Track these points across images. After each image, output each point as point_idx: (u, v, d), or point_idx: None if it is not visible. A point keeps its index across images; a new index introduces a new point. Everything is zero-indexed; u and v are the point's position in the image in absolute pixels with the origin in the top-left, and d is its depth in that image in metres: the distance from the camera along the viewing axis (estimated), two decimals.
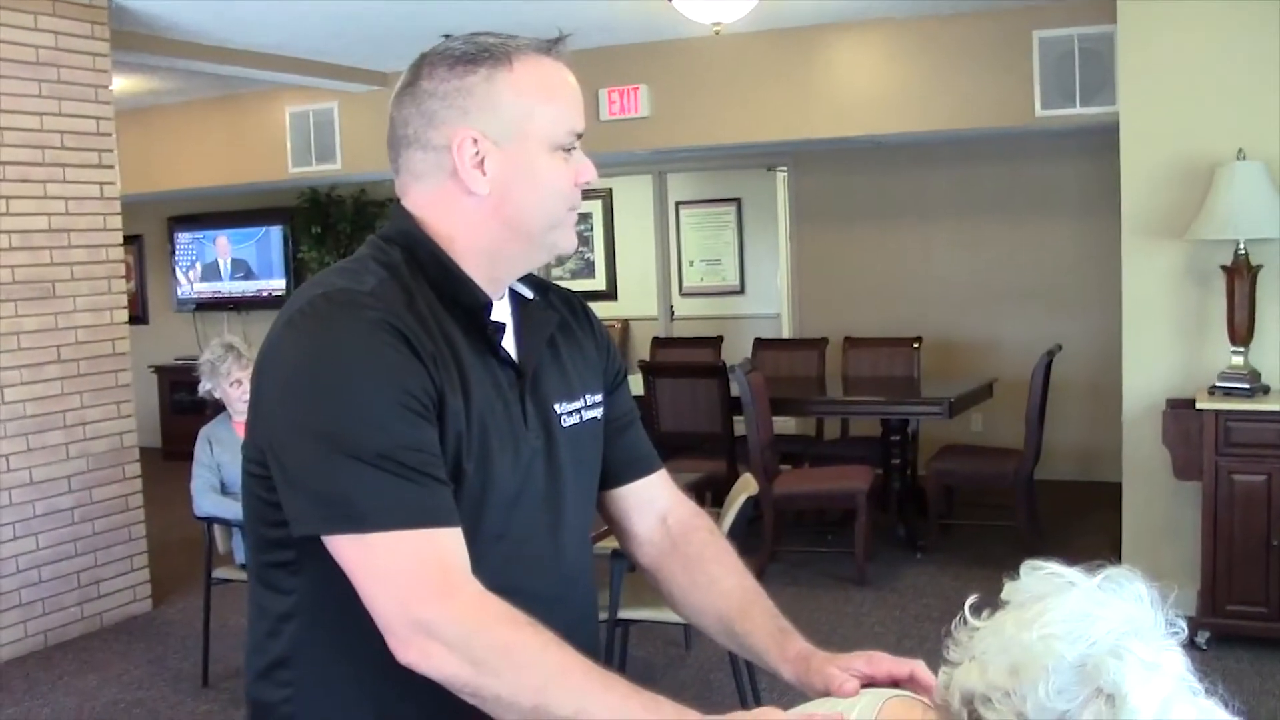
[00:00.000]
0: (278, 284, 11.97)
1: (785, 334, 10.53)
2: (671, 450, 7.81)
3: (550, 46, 1.77)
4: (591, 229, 13.19)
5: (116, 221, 7.07)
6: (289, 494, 1.65)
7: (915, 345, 8.66)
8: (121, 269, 7.21)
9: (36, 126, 6.58)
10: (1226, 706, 1.48)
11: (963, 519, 8.29)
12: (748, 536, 7.49)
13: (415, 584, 1.58)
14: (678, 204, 12.56)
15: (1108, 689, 1.36)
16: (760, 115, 8.72)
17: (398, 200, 1.84)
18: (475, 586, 1.60)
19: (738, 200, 12.45)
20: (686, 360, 8.80)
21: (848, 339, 9.02)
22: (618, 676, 1.57)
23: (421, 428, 1.63)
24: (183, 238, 12.56)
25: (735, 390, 7.38)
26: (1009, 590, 1.54)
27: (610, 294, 13.12)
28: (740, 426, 7.50)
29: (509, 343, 1.82)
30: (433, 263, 1.77)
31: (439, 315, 1.73)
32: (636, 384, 8.01)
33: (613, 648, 4.96)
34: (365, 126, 10.11)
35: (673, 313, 11.85)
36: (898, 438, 7.95)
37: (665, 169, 11.06)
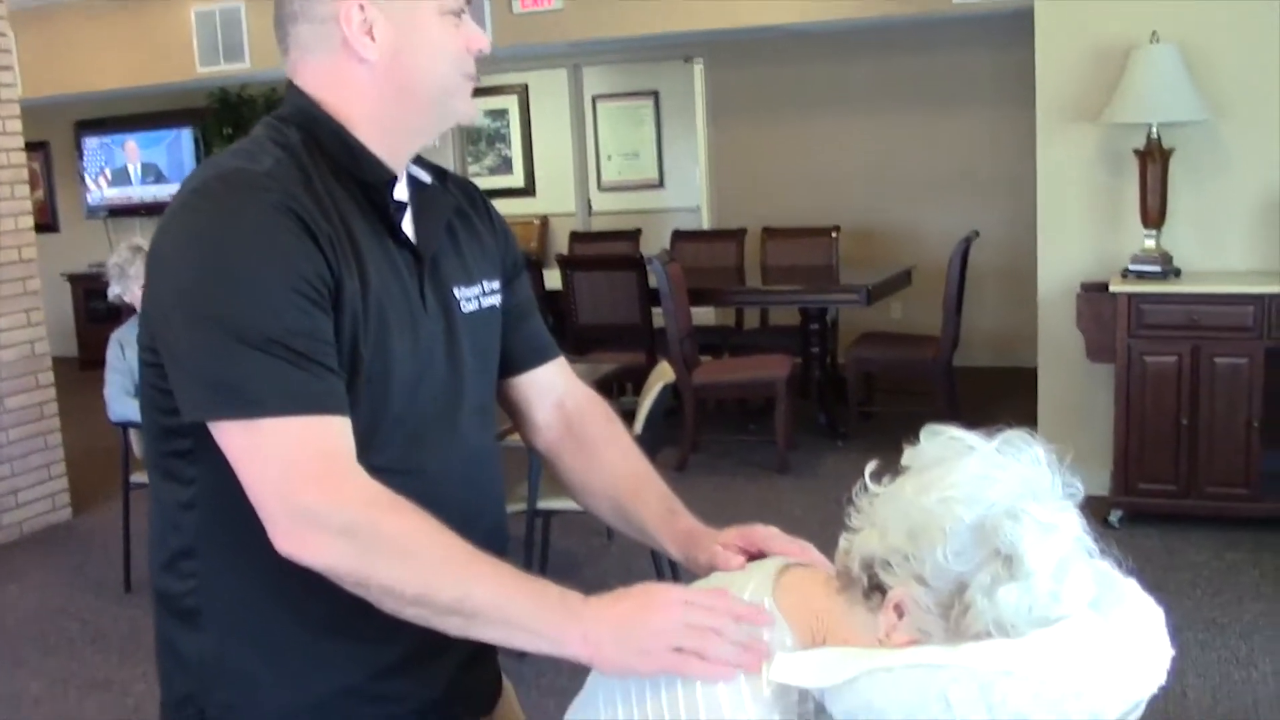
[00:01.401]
0: None
1: (705, 227, 10.51)
2: (591, 343, 7.84)
3: None
4: (508, 125, 13.06)
5: (16, 125, 6.94)
6: (178, 379, 1.61)
7: (834, 235, 8.68)
8: (24, 174, 7.06)
9: None
10: (1121, 568, 1.51)
11: (883, 406, 8.38)
12: (668, 428, 7.54)
13: (299, 470, 1.55)
14: (594, 98, 12.44)
15: (1004, 550, 1.38)
16: (676, 5, 8.61)
17: (290, 81, 1.79)
18: (361, 474, 1.58)
19: (655, 93, 12.31)
20: (604, 253, 8.76)
21: (766, 229, 9.02)
22: (502, 563, 1.56)
23: (314, 315, 1.59)
24: (90, 143, 12.31)
25: (653, 282, 7.37)
26: (909, 455, 1.56)
27: (529, 190, 13.01)
28: (660, 318, 7.50)
29: (407, 226, 1.79)
30: (333, 140, 1.73)
31: (337, 197, 1.69)
32: (554, 279, 8.00)
33: (533, 539, 4.98)
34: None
35: (590, 208, 11.78)
36: (817, 326, 7.98)
37: (581, 62, 10.95)
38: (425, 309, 1.76)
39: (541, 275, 8.05)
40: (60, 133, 12.44)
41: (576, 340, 7.87)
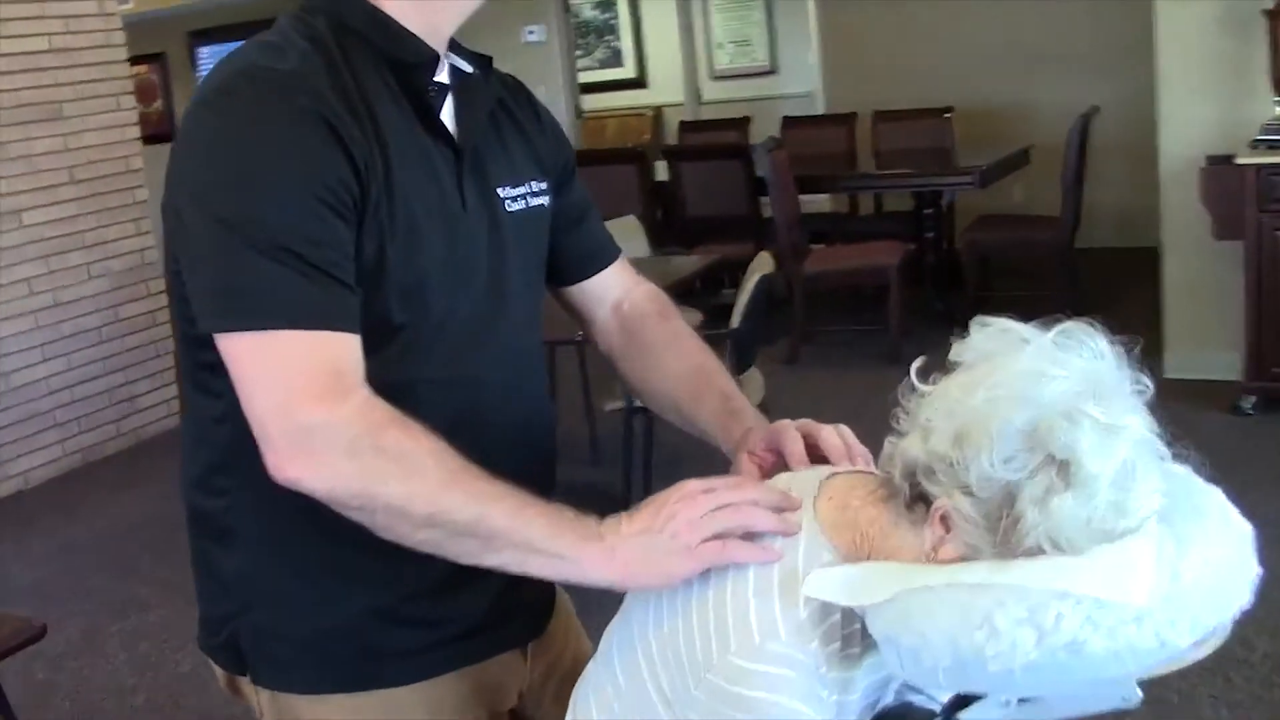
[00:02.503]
0: None
1: (818, 112, 10.26)
2: (700, 234, 7.70)
3: None
4: (617, 16, 12.86)
5: (120, 38, 6.91)
6: (191, 285, 1.52)
7: (946, 115, 8.41)
8: (129, 86, 7.05)
9: None
10: (1202, 473, 1.36)
11: (1000, 291, 8.13)
12: (778, 318, 7.43)
13: (302, 387, 1.45)
14: None
15: (1060, 455, 1.23)
16: None
17: None
18: (367, 392, 1.48)
19: None
20: (709, 143, 8.59)
21: (877, 113, 8.78)
22: (511, 485, 1.45)
23: (333, 225, 1.48)
24: (204, 53, 12.35)
25: (760, 171, 7.20)
26: (957, 350, 1.42)
27: (640, 82, 12.83)
28: (769, 208, 7.32)
29: (446, 118, 1.66)
30: (365, 20, 1.60)
31: (367, 88, 1.57)
32: (662, 170, 7.86)
33: (631, 436, 4.89)
34: None
35: (700, 97, 11.56)
36: (931, 211, 7.75)
37: None
38: (465, 207, 1.64)
39: (650, 167, 7.91)
40: (176, 43, 12.48)
41: (685, 232, 7.74)
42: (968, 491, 1.27)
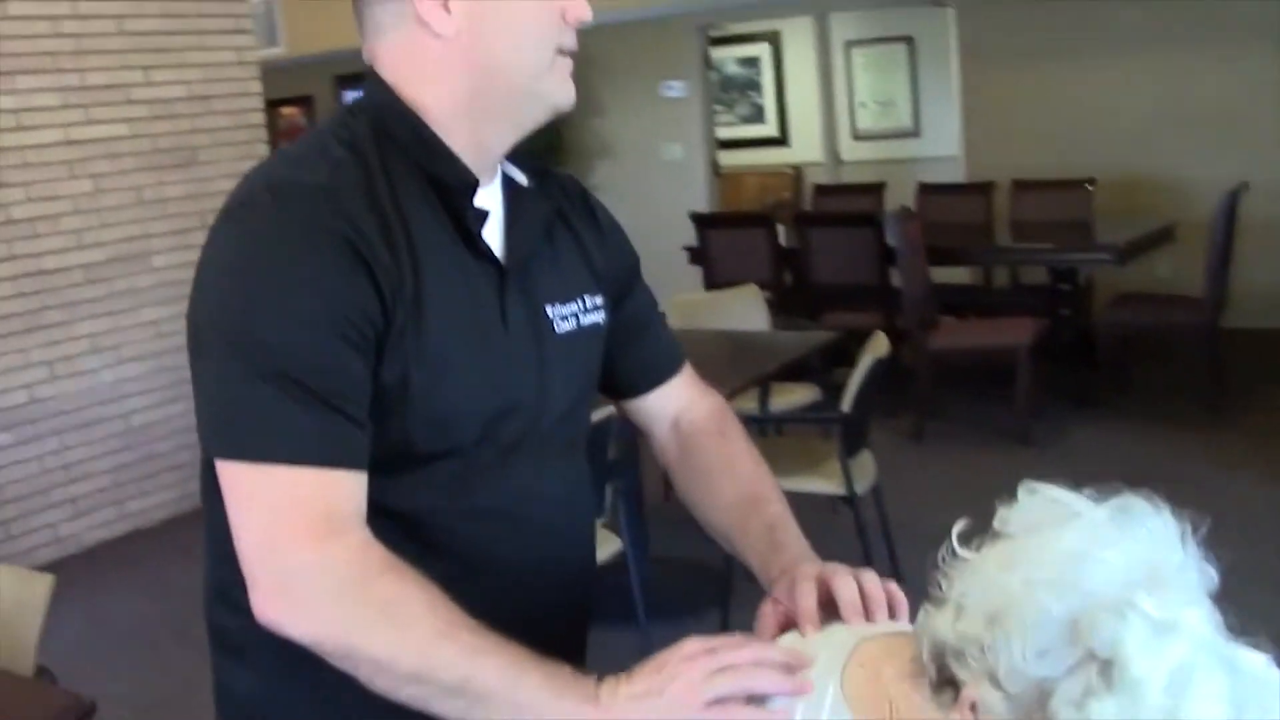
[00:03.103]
0: None
1: (961, 177, 10.08)
2: (826, 301, 7.59)
3: None
4: (760, 74, 12.80)
5: (256, 86, 7.03)
6: (197, 404, 1.47)
7: (1088, 187, 8.18)
8: (263, 134, 7.15)
9: None
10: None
11: (1140, 372, 7.87)
12: (903, 392, 7.26)
13: (291, 526, 1.37)
14: (848, 44, 12.09)
15: (1102, 652, 1.08)
16: None
17: (369, 69, 1.59)
18: (361, 534, 1.40)
19: (909, 38, 11.88)
20: (842, 209, 8.47)
21: (1016, 182, 8.57)
22: (513, 643, 1.35)
23: (345, 356, 1.41)
24: (349, 96, 12.49)
25: (892, 240, 7.06)
26: (1001, 517, 1.28)
27: (782, 140, 12.74)
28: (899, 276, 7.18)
29: (493, 234, 1.58)
30: (408, 132, 1.54)
31: (405, 201, 1.50)
32: (786, 235, 7.76)
33: None
34: None
35: (839, 158, 11.44)
36: (1068, 286, 7.53)
37: (827, 8, 10.58)
38: (506, 329, 1.56)
39: (778, 231, 7.81)
40: (323, 88, 12.70)
41: (812, 299, 7.62)
42: (996, 683, 1.14)
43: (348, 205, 1.45)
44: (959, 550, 1.27)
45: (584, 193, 1.79)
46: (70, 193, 6.12)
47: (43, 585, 2.95)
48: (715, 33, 11.60)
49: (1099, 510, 1.20)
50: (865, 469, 4.70)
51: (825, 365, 5.92)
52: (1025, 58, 9.42)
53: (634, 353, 1.83)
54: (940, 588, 1.27)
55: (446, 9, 1.50)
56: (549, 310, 1.62)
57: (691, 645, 1.34)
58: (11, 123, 5.87)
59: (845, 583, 1.48)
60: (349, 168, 1.49)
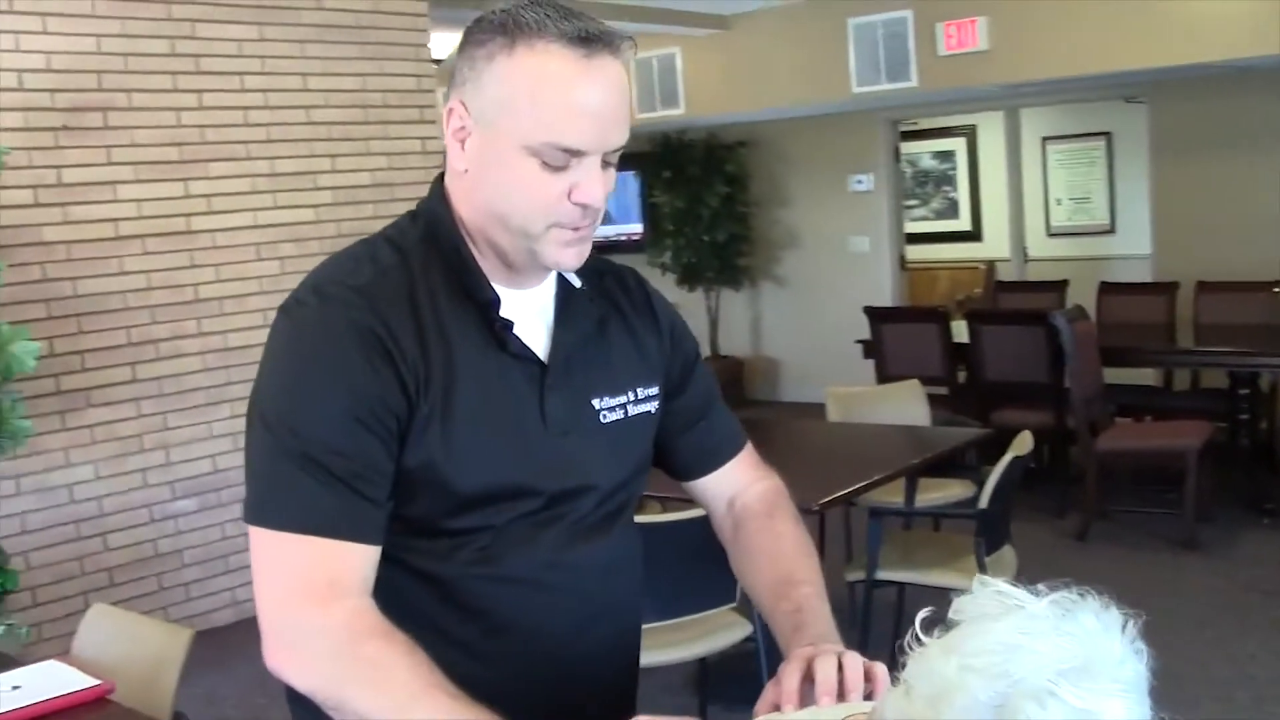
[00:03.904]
0: (635, 228, 12.08)
1: (1151, 276, 9.91)
2: (996, 399, 7.54)
3: (588, 46, 1.56)
4: (955, 168, 12.79)
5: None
6: (245, 477, 1.63)
7: (1276, 290, 7.99)
8: None
9: (359, 87, 6.87)
10: None
11: None
12: (1067, 493, 7.15)
13: (299, 590, 1.53)
14: (1044, 139, 12.03)
15: None
16: (1110, 43, 8.13)
17: (438, 174, 1.75)
18: (359, 601, 1.54)
19: (1107, 134, 11.76)
20: (1014, 307, 8.42)
21: (1200, 283, 8.42)
22: (485, 710, 1.44)
23: (365, 440, 1.56)
24: None
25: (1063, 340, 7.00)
26: (955, 607, 1.35)
27: (974, 235, 12.70)
28: None
29: (538, 334, 1.71)
30: (448, 245, 1.68)
31: (442, 307, 1.64)
32: (960, 330, 7.73)
33: (869, 607, 4.78)
34: (708, 70, 10.11)
35: (1026, 254, 11.33)
36: (1247, 391, 7.35)
37: (1016, 104, 10.54)
38: (544, 421, 1.68)
39: (949, 328, 7.80)
40: None
41: (982, 396, 7.58)
42: None
43: (383, 306, 1.59)
44: (921, 636, 1.34)
45: (644, 287, 1.90)
46: (257, 274, 6.44)
47: (183, 639, 3.15)
48: (907, 126, 11.64)
49: (1039, 603, 1.25)
50: (1005, 566, 4.67)
51: (981, 462, 5.89)
52: (1215, 154, 9.28)
53: (692, 438, 1.94)
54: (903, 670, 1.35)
55: (463, 146, 1.63)
56: (595, 403, 1.74)
57: None
58: (204, 207, 6.22)
59: (824, 664, 1.58)
60: (393, 271, 1.64)
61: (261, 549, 1.56)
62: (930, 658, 1.27)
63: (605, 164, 1.61)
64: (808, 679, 1.58)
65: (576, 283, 1.76)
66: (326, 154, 6.70)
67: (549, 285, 1.74)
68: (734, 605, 4.23)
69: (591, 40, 1.55)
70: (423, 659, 1.48)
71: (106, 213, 5.89)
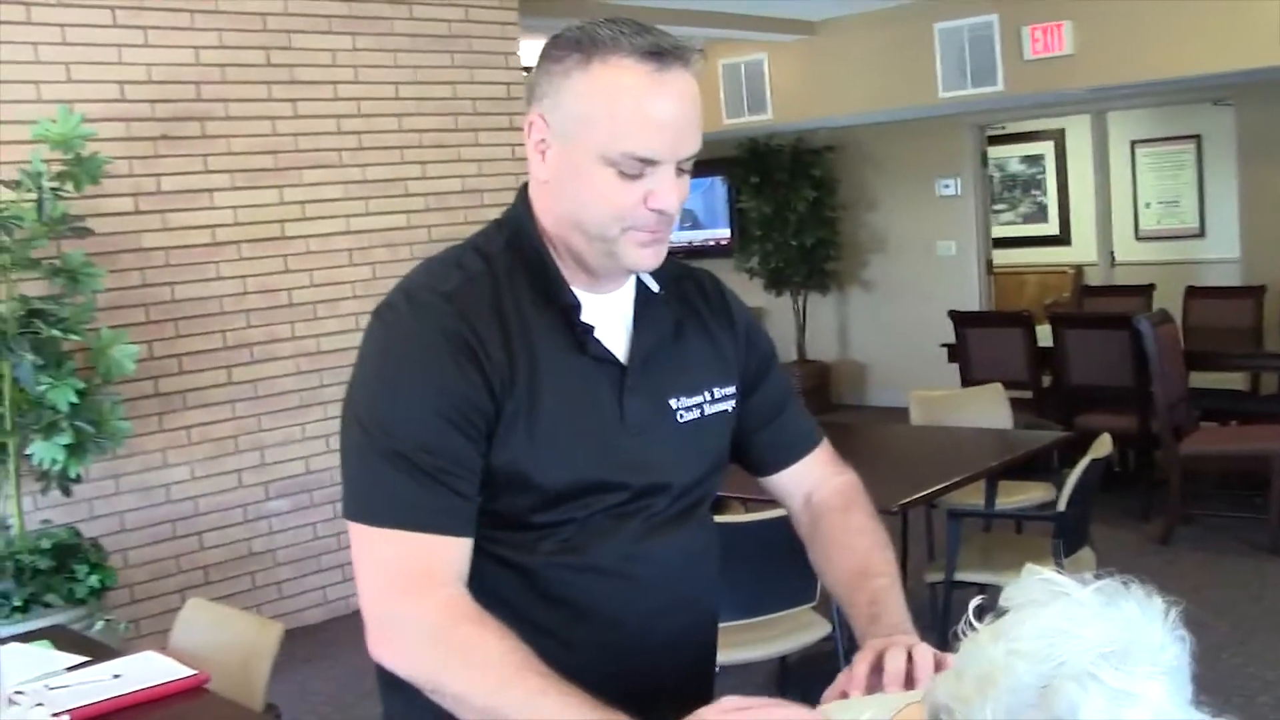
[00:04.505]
0: (722, 233, 12.14)
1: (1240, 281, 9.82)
2: (1080, 403, 7.52)
3: (660, 60, 1.63)
4: (1044, 171, 12.73)
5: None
6: (341, 474, 1.73)
7: None
8: None
9: (449, 95, 7.00)
10: None
11: None
12: (1152, 497, 7.11)
13: (395, 581, 1.62)
14: (1133, 143, 11.94)
15: (1065, 718, 1.22)
16: (1196, 45, 8.11)
17: (524, 183, 1.83)
18: (453, 590, 1.63)
19: (1197, 137, 11.66)
20: (1099, 311, 8.39)
21: None
22: (576, 688, 1.52)
23: (453, 438, 1.64)
24: None
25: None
26: (1005, 595, 1.41)
27: (1064, 239, 12.63)
28: None
29: (618, 337, 1.79)
30: (531, 252, 1.76)
31: (526, 312, 1.72)
32: (1045, 335, 7.72)
33: (949, 608, 4.81)
34: (794, 76, 10.17)
35: (1113, 259, 11.25)
36: None
37: (1103, 107, 10.48)
38: (624, 422, 1.76)
39: (1034, 332, 7.79)
40: None
41: (1067, 400, 7.57)
42: None
43: (469, 312, 1.69)
44: (973, 623, 1.41)
45: (720, 290, 1.98)
46: (350, 279, 6.59)
47: (274, 632, 3.27)
48: (994, 131, 11.60)
49: (1084, 590, 1.31)
50: (1084, 568, 4.63)
51: (1064, 466, 5.90)
52: None
53: (768, 435, 2.01)
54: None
55: (544, 158, 1.71)
56: (672, 402, 1.82)
57: (729, 700, 1.51)
58: (298, 213, 6.37)
59: (894, 654, 1.65)
60: (479, 278, 1.73)
61: (360, 544, 1.65)
62: (980, 643, 1.34)
63: (680, 171, 1.68)
64: (877, 668, 1.65)
65: (655, 287, 1.83)
66: (417, 160, 6.83)
67: (628, 290, 1.82)
68: (813, 605, 4.29)
69: (664, 54, 1.63)
70: (515, 643, 1.56)
71: (204, 219, 6.04)
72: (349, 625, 6.49)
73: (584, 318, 1.75)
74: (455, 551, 1.65)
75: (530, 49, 7.59)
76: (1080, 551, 4.78)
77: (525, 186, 1.81)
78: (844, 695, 1.66)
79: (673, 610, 1.85)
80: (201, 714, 2.85)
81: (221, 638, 3.35)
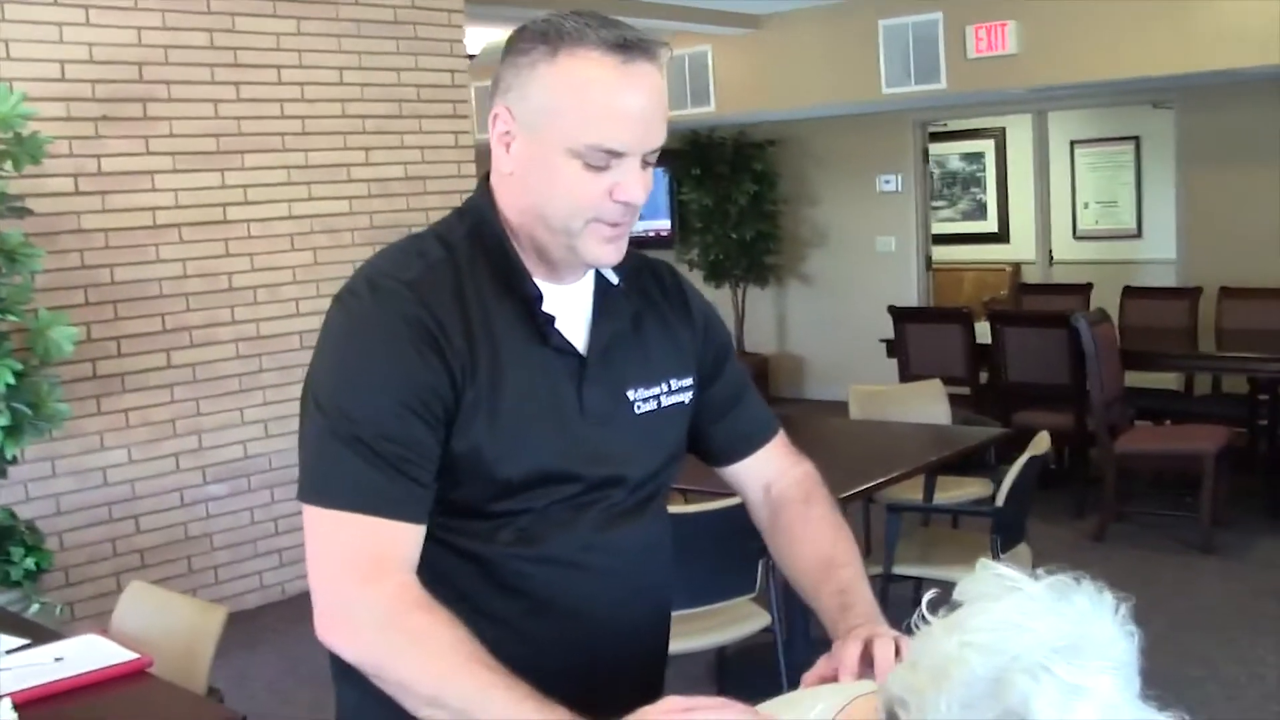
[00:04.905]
0: (663, 224, 12.15)
1: (1175, 282, 9.93)
2: (1017, 400, 7.59)
3: (626, 53, 1.64)
4: (984, 169, 12.83)
5: (470, 169, 7.35)
6: (299, 457, 1.72)
7: None
8: None
9: (394, 81, 6.97)
10: None
11: None
12: (1086, 494, 7.21)
13: (348, 565, 1.61)
14: (1073, 143, 12.05)
15: (1018, 710, 1.23)
16: (1139, 48, 8.20)
17: (485, 172, 1.83)
18: (405, 577, 1.62)
19: (1136, 139, 11.78)
20: (1034, 310, 8.48)
21: (1223, 289, 8.46)
22: (522, 683, 1.52)
23: (412, 424, 1.64)
24: None
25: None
26: (959, 589, 1.43)
27: (1002, 237, 12.72)
28: None
29: (577, 327, 1.79)
30: (495, 245, 1.76)
31: (487, 302, 1.72)
32: (984, 331, 7.78)
33: (886, 603, 4.84)
34: (738, 69, 10.18)
35: (1051, 258, 11.36)
36: (1267, 397, 7.39)
37: (1045, 107, 10.58)
38: (583, 411, 1.76)
39: (973, 328, 7.85)
40: None
41: (1004, 397, 7.64)
42: None
43: (431, 300, 1.68)
44: (927, 616, 1.42)
45: (678, 281, 1.99)
46: (291, 264, 6.55)
47: (218, 616, 3.26)
48: (936, 128, 11.68)
49: (1037, 585, 1.33)
50: (1021, 564, 4.70)
51: (1001, 462, 5.97)
52: (1242, 161, 9.30)
53: (726, 426, 2.02)
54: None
55: (508, 150, 1.72)
56: (630, 394, 1.82)
57: (673, 700, 1.51)
58: (240, 197, 6.33)
59: (883, 645, 1.66)
60: (441, 266, 1.72)
61: (314, 526, 1.65)
62: (934, 635, 1.36)
63: (644, 164, 1.69)
64: (865, 659, 1.66)
65: (614, 279, 1.83)
66: (361, 147, 6.80)
67: (588, 281, 1.82)
68: (753, 595, 4.31)
69: (630, 47, 1.64)
70: (464, 633, 1.56)
71: (145, 202, 6.00)
72: (286, 611, 6.49)
73: (545, 308, 1.75)
74: (408, 537, 1.65)
75: (476, 36, 7.60)
76: (1017, 548, 4.83)
77: (487, 177, 1.80)
78: (824, 681, 1.67)
79: (630, 602, 1.86)
80: (145, 697, 2.85)
81: (164, 622, 3.33)
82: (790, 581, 1.99)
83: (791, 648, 4.45)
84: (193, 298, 6.20)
